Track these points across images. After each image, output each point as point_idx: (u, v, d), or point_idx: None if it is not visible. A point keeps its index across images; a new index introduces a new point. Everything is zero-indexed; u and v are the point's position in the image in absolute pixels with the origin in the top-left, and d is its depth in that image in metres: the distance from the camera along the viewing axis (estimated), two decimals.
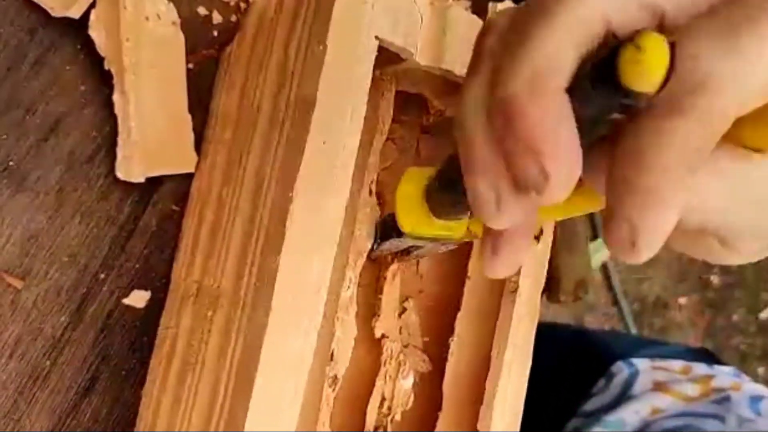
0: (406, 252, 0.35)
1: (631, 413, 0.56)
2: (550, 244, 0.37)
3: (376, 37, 0.30)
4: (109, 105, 0.36)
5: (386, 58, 0.31)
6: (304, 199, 0.29)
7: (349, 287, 0.34)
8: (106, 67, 0.35)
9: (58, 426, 0.35)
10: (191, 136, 0.37)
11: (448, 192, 0.26)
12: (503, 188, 0.20)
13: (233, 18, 0.39)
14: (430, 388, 0.39)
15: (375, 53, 0.30)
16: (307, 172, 0.29)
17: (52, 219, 0.35)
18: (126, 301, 0.37)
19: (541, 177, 0.18)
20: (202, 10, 0.38)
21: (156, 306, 0.37)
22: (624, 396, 0.58)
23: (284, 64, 0.32)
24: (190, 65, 0.38)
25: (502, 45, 0.20)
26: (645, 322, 1.67)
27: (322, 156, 0.29)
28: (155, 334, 0.37)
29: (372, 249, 0.34)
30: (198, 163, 0.37)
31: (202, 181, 0.37)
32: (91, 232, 0.36)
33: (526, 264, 0.36)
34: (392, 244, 0.34)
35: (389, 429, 0.37)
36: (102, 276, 0.36)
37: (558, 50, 0.18)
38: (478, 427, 0.35)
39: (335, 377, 0.33)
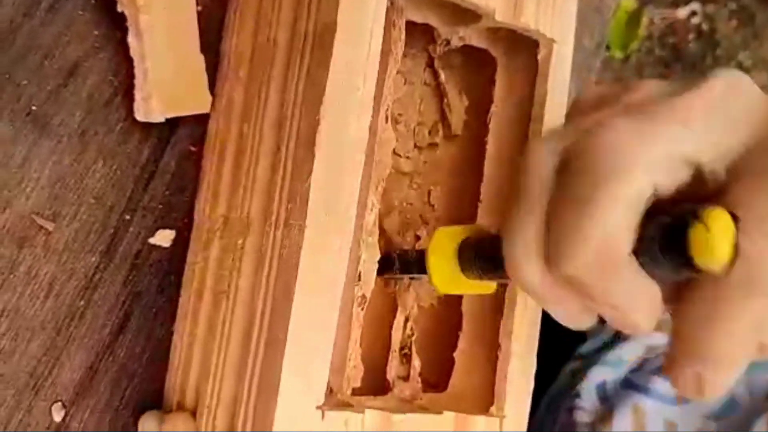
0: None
1: (627, 351, 0.57)
2: None
3: None
4: (123, 49, 0.36)
5: None
6: (330, 123, 0.30)
7: (372, 210, 0.35)
8: (119, 10, 0.35)
9: (96, 363, 0.37)
10: (205, 77, 0.38)
11: (485, 263, 0.28)
12: (583, 311, 0.21)
13: None
14: (449, 309, 0.40)
15: None
16: (332, 97, 0.30)
17: (76, 162, 0.36)
18: (152, 240, 0.38)
19: (626, 324, 0.20)
20: None
21: (181, 244, 0.38)
22: (619, 336, 0.60)
23: None
24: (199, 8, 0.38)
25: (555, 204, 0.21)
26: None
27: (345, 80, 0.30)
28: (182, 272, 0.38)
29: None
30: (213, 103, 0.38)
31: (218, 120, 0.38)
32: (114, 174, 0.37)
33: None
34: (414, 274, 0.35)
35: (413, 348, 0.39)
36: (128, 217, 0.37)
37: (618, 223, 0.19)
38: (500, 341, 0.37)
39: (363, 297, 0.35)
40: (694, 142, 0.19)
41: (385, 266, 0.34)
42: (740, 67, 1.65)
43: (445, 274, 0.30)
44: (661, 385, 0.51)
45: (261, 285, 0.32)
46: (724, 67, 1.65)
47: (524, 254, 0.21)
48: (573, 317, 0.22)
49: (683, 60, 1.64)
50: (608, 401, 0.54)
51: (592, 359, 0.58)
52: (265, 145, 0.33)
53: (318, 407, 0.30)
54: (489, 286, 0.31)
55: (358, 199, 0.31)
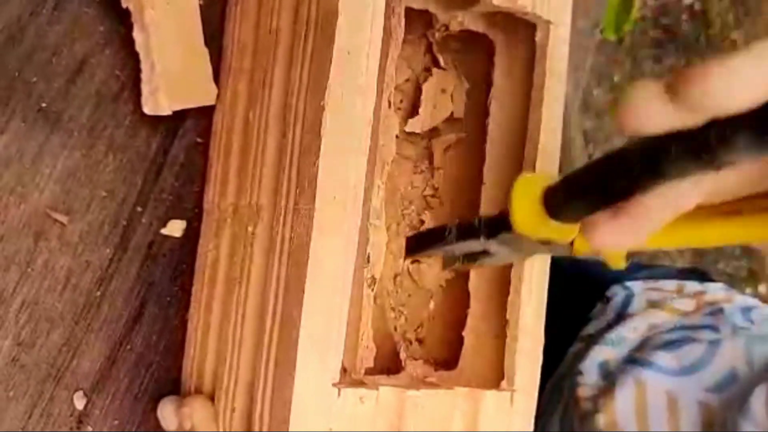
0: (473, 258, 0.35)
1: (629, 330, 0.58)
2: None
3: None
4: (128, 44, 0.37)
5: None
6: (335, 108, 0.31)
7: (378, 194, 0.36)
8: (124, 6, 0.36)
9: (114, 352, 0.37)
10: (210, 70, 0.38)
11: (576, 194, 0.28)
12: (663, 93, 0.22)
13: None
14: (456, 290, 0.41)
15: None
16: (336, 81, 0.31)
17: (87, 156, 0.37)
18: (164, 231, 0.38)
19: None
20: None
21: (192, 234, 0.39)
22: (621, 316, 0.61)
23: None
24: (200, 2, 0.39)
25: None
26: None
27: (348, 65, 0.31)
28: (194, 261, 0.39)
29: (448, 248, 0.34)
30: (218, 94, 0.39)
31: (224, 111, 0.38)
32: (124, 167, 0.37)
33: None
34: (469, 245, 0.34)
35: (426, 324, 0.40)
36: (139, 209, 0.38)
37: None
38: (507, 316, 0.38)
39: (373, 278, 0.36)
40: None
41: (428, 240, 0.34)
42: (734, 45, 1.65)
43: (528, 212, 0.29)
44: (662, 357, 0.52)
45: (273, 269, 0.32)
46: (718, 46, 1.65)
47: (647, 96, 0.22)
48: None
49: (677, 40, 1.65)
50: (610, 377, 0.54)
51: (594, 339, 0.58)
52: (272, 132, 0.34)
53: (334, 384, 0.31)
54: (569, 232, 0.30)
55: (364, 183, 0.32)
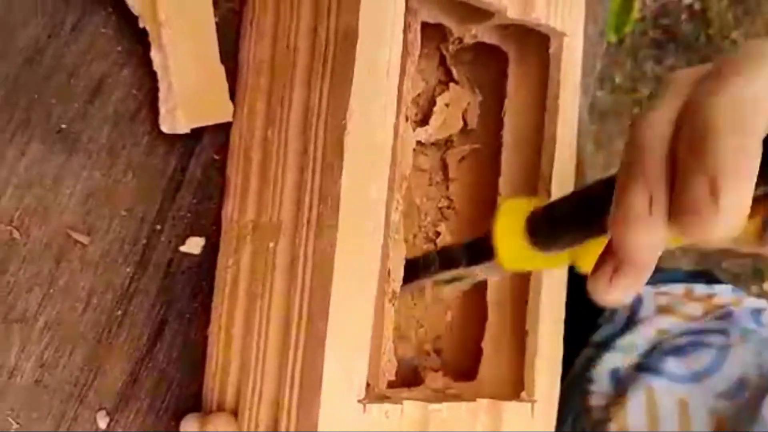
0: (459, 279, 0.35)
1: (639, 336, 0.58)
2: None
3: None
4: (145, 63, 0.37)
5: None
6: (357, 125, 0.31)
7: (397, 209, 0.36)
8: (141, 26, 0.36)
9: (136, 370, 0.38)
10: (226, 87, 0.39)
11: (560, 225, 0.27)
12: (661, 201, 0.22)
13: None
14: (474, 301, 0.41)
15: None
16: (357, 99, 0.31)
17: (106, 176, 0.37)
18: (183, 248, 0.39)
19: (712, 200, 0.20)
20: None
21: (211, 250, 0.39)
22: (630, 322, 0.61)
23: (317, 2, 0.33)
24: (215, 20, 0.39)
25: (679, 159, 0.22)
26: None
27: (368, 83, 0.31)
28: (213, 277, 0.39)
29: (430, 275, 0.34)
30: (234, 111, 0.39)
31: (241, 128, 0.39)
32: (143, 186, 0.38)
33: None
34: (453, 272, 0.34)
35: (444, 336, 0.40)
36: (158, 227, 0.38)
37: (754, 156, 0.20)
38: (527, 327, 0.38)
39: (393, 292, 0.36)
40: None
41: (416, 270, 0.35)
42: (734, 45, 1.66)
43: (512, 247, 0.29)
44: (672, 364, 0.52)
45: (297, 285, 0.33)
46: (718, 45, 1.65)
47: (656, 126, 0.22)
48: (645, 203, 0.22)
49: (677, 41, 1.65)
50: (621, 385, 0.55)
51: (605, 346, 0.59)
52: (291, 150, 0.34)
53: (359, 401, 0.31)
54: (559, 260, 0.29)
55: (386, 198, 0.32)
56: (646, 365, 0.54)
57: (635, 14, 1.51)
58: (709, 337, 0.55)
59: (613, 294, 0.24)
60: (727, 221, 0.20)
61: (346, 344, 0.31)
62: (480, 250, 0.31)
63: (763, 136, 0.21)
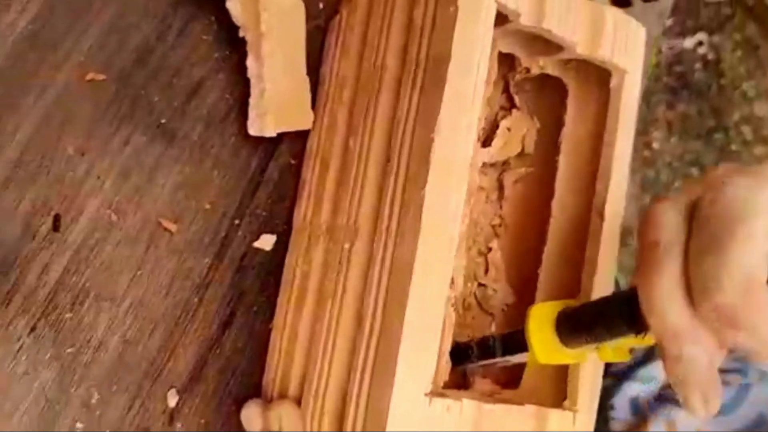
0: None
1: (657, 369, 0.60)
2: None
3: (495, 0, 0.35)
4: (238, 70, 0.40)
5: (496, 19, 0.36)
6: (443, 141, 0.34)
7: (463, 221, 0.39)
8: (241, 35, 0.39)
9: (205, 355, 0.40)
10: (309, 97, 0.42)
11: (583, 330, 0.33)
12: (718, 349, 0.24)
13: None
14: (518, 312, 0.44)
15: (495, 14, 0.35)
16: (444, 119, 0.34)
17: (195, 171, 0.39)
18: (256, 244, 0.41)
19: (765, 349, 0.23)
20: None
21: (281, 248, 0.42)
22: (648, 355, 0.63)
23: (408, 25, 0.36)
24: None
25: (692, 248, 0.24)
26: None
27: (455, 104, 0.34)
28: (281, 273, 0.42)
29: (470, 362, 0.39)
30: (313, 120, 0.42)
31: (319, 136, 0.41)
32: (227, 183, 0.40)
33: None
34: (492, 361, 0.38)
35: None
36: (237, 222, 0.41)
37: (756, 253, 0.23)
38: None
39: (455, 299, 0.38)
40: None
41: (458, 357, 0.38)
42: (744, 96, 1.71)
43: (546, 345, 0.34)
44: None
45: (372, 285, 0.35)
46: (729, 95, 1.70)
47: (668, 298, 0.25)
48: (705, 362, 0.25)
49: (690, 88, 1.70)
50: (641, 413, 0.57)
51: (623, 376, 0.61)
52: (374, 158, 0.37)
53: (426, 394, 0.34)
54: (584, 355, 0.35)
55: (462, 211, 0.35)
56: (666, 396, 0.56)
57: (654, 59, 1.55)
58: (729, 376, 0.57)
59: (711, 411, 0.26)
60: None
61: (419, 342, 0.33)
62: (516, 343, 0.36)
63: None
